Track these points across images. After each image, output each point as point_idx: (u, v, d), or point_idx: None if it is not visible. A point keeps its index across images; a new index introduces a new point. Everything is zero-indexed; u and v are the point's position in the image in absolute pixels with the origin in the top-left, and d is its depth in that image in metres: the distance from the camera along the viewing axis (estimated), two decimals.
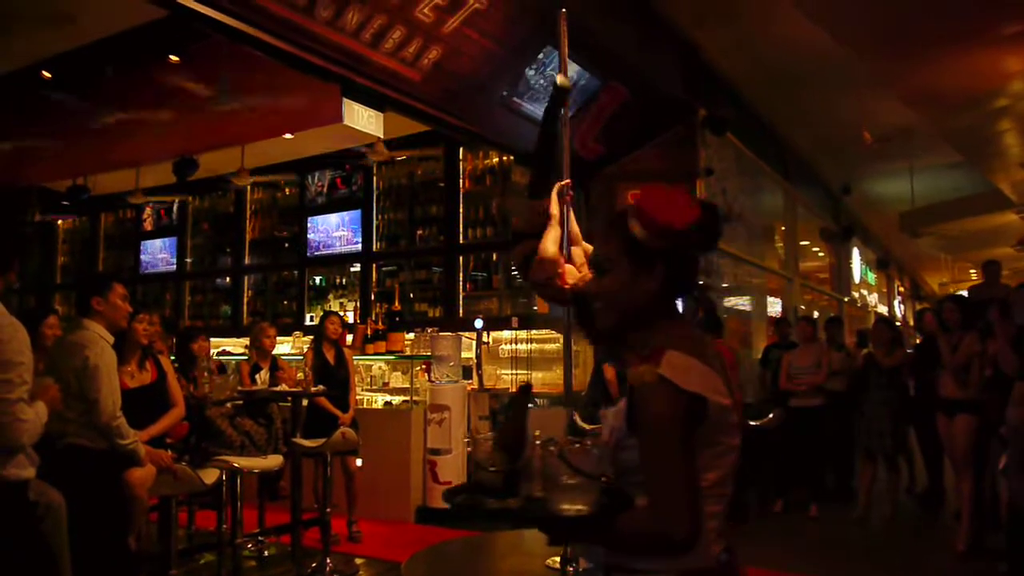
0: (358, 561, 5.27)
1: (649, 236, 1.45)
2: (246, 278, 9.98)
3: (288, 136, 7.68)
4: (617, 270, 1.52)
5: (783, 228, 11.27)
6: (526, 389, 1.53)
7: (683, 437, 1.35)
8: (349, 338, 6.99)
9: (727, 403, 1.42)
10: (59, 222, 11.88)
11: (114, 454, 3.60)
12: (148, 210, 10.94)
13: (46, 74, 7.05)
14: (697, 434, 1.37)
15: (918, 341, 7.97)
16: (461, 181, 8.29)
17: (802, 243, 12.13)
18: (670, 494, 1.35)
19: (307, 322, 9.05)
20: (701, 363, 1.41)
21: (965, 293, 8.34)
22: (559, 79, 2.97)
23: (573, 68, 6.21)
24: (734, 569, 1.48)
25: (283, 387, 5.09)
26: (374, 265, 8.84)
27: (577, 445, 1.39)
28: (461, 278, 8.17)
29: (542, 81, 6.20)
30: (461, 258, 8.21)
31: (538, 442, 1.42)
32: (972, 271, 17.99)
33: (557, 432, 1.48)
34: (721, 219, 1.54)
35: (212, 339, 6.52)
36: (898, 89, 7.98)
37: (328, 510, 4.96)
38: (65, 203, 10.00)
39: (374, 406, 7.15)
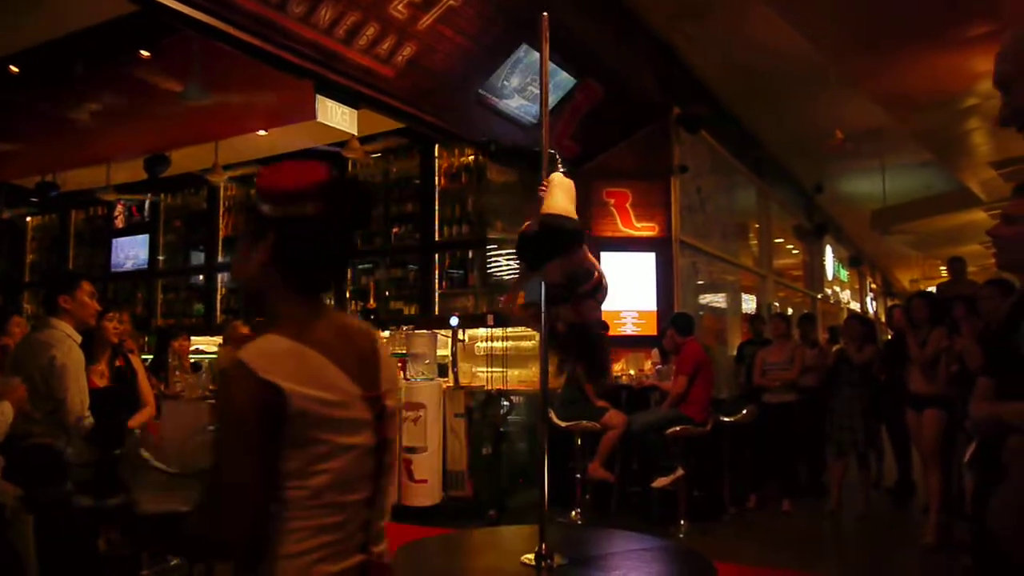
0: None
1: (258, 200, 1.38)
2: (219, 276, 9.88)
3: (262, 133, 7.62)
4: (238, 245, 1.43)
5: (757, 226, 11.38)
6: (122, 379, 1.48)
7: (254, 430, 1.22)
8: None
9: (332, 397, 1.28)
10: (28, 219, 11.68)
11: None
12: (119, 207, 10.79)
13: (14, 69, 6.93)
14: (284, 430, 1.23)
15: (889, 337, 8.08)
16: (437, 179, 8.26)
17: (776, 241, 12.26)
18: (224, 492, 1.23)
19: None
20: (310, 350, 1.29)
21: (934, 289, 8.46)
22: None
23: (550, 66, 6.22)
24: None
25: None
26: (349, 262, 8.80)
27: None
28: (437, 276, 8.15)
29: (517, 79, 6.21)
30: (437, 256, 8.19)
31: (137, 434, 1.36)
32: (942, 268, 18.26)
33: (198, 427, 1.40)
34: (357, 193, 1.44)
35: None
36: (869, 89, 8.09)
37: None
38: (34, 199, 9.84)
39: None
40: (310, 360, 1.28)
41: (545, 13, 3.11)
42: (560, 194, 2.88)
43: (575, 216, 2.82)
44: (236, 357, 1.23)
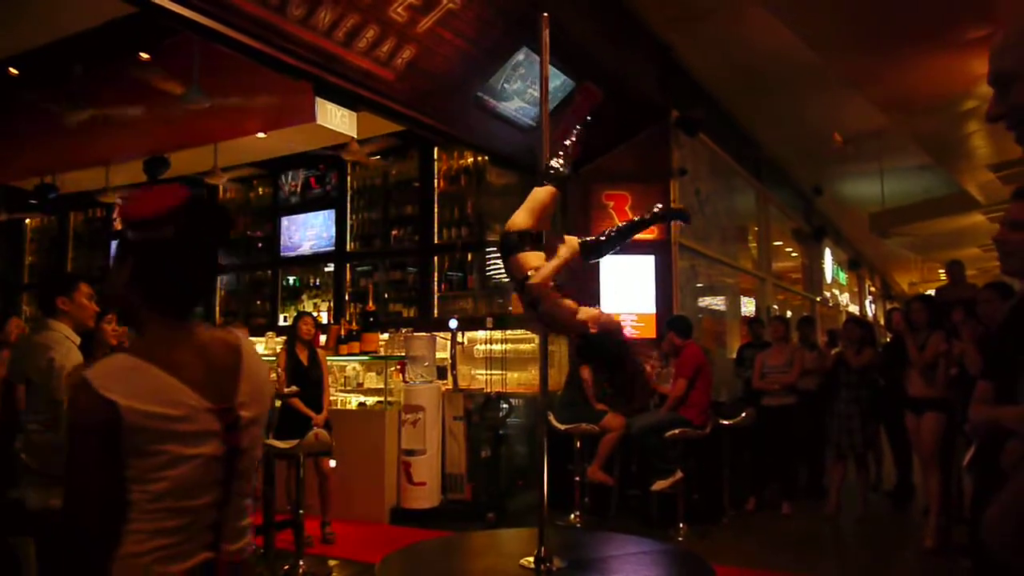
0: (332, 563, 5.24)
1: (123, 226, 1.47)
2: (219, 278, 9.87)
3: (261, 135, 7.61)
4: (112, 263, 1.53)
5: (756, 229, 11.38)
6: (10, 383, 1.57)
7: (92, 443, 1.33)
8: (323, 338, 6.95)
9: (173, 412, 1.37)
10: (27, 221, 11.67)
11: None
12: (118, 209, 10.78)
13: (13, 71, 6.93)
14: (122, 441, 1.33)
15: (888, 340, 8.09)
16: (436, 181, 8.26)
17: (775, 243, 12.26)
18: (68, 497, 1.36)
19: (280, 322, 8.98)
20: (154, 367, 1.38)
21: (933, 293, 8.47)
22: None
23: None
24: None
25: None
26: (348, 265, 8.79)
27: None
28: (436, 278, 8.14)
29: (516, 82, 6.21)
30: (436, 258, 8.19)
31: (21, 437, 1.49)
32: (941, 271, 18.27)
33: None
34: (214, 215, 1.54)
35: None
36: (868, 92, 8.09)
37: (301, 512, 4.92)
38: (32, 201, 9.83)
39: (348, 407, 7.11)
40: (152, 377, 1.38)
41: (545, 14, 3.14)
42: (521, 208, 3.00)
43: (526, 226, 2.92)
44: (82, 375, 1.35)
